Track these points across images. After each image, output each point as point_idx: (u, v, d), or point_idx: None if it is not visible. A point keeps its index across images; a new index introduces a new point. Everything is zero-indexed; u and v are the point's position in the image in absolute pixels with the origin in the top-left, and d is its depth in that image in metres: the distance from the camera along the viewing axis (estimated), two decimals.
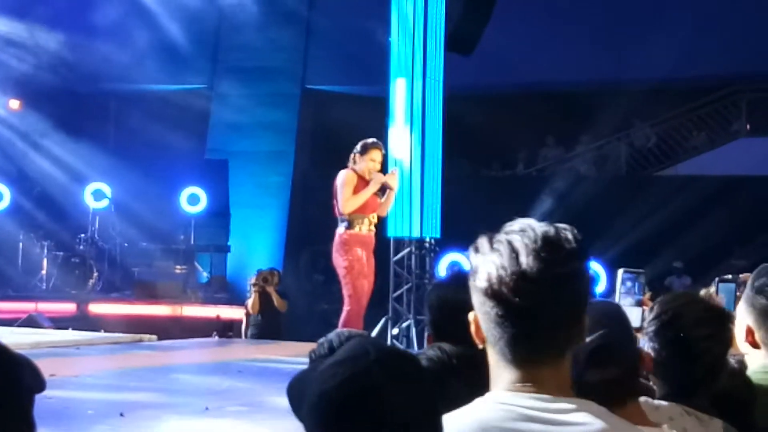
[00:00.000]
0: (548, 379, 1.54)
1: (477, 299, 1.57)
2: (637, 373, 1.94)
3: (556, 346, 1.55)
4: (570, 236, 1.55)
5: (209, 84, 17.46)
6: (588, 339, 1.81)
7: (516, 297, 1.51)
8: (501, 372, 1.56)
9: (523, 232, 1.55)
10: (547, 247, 1.52)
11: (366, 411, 1.35)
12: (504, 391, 1.54)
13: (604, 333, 1.86)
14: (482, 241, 1.58)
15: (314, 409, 1.38)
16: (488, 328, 1.55)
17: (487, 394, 1.56)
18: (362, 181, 7.56)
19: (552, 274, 1.51)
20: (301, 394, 1.45)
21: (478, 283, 1.56)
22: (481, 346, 1.59)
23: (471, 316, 1.60)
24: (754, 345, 2.57)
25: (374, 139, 7.71)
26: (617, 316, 2.00)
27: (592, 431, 1.50)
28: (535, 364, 1.54)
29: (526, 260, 1.51)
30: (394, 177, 7.76)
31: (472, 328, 1.60)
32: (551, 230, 1.55)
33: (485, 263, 1.55)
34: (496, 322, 1.53)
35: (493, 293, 1.53)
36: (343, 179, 7.55)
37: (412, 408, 1.37)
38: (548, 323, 1.52)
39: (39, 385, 1.46)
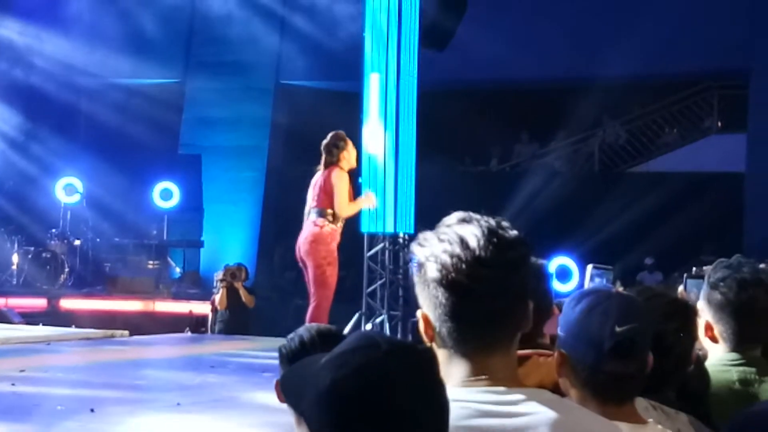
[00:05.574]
0: (500, 369, 1.55)
1: (428, 293, 1.56)
2: (645, 373, 1.94)
3: (507, 332, 1.57)
4: (508, 225, 1.59)
5: (182, 78, 17.36)
6: (618, 329, 1.84)
7: (473, 282, 1.52)
8: (453, 367, 1.56)
9: (466, 223, 1.57)
10: (493, 235, 1.55)
11: (378, 401, 1.31)
12: (458, 388, 1.54)
13: (634, 327, 1.87)
14: (426, 235, 1.60)
15: (324, 398, 1.33)
16: (440, 321, 1.56)
17: None
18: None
19: (504, 259, 1.54)
20: (300, 386, 1.40)
21: (429, 275, 1.55)
22: (429, 344, 1.58)
23: (419, 313, 1.59)
24: (713, 340, 2.62)
25: (341, 132, 7.93)
26: (646, 314, 1.99)
27: (544, 419, 1.52)
28: (486, 353, 1.55)
29: (478, 247, 1.53)
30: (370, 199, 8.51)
31: (421, 326, 1.60)
32: (491, 221, 1.58)
33: (436, 254, 1.55)
34: (449, 314, 1.54)
35: (449, 282, 1.53)
36: (342, 180, 7.69)
37: (422, 400, 1.33)
38: (500, 309, 1.54)
39: None
